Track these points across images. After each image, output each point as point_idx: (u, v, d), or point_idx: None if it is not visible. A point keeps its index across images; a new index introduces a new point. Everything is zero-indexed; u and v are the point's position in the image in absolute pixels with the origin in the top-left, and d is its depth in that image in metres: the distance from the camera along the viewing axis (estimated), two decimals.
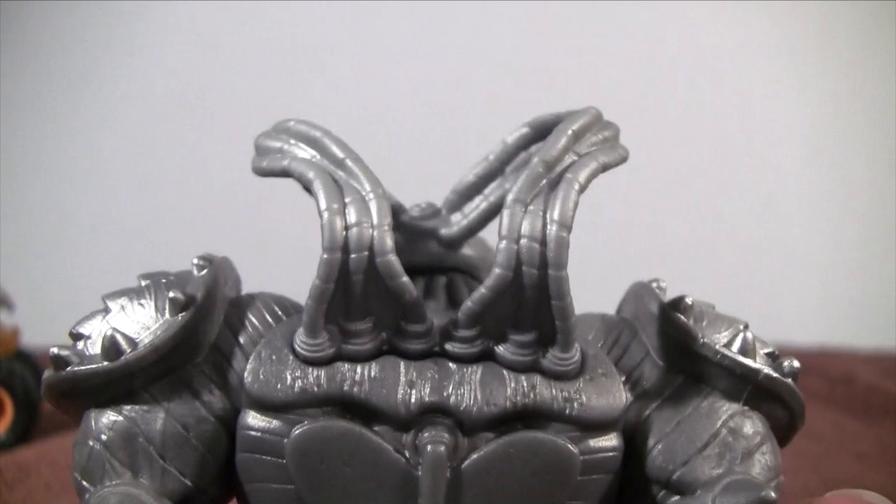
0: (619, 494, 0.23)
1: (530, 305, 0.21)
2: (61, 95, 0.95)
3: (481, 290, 0.21)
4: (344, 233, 0.20)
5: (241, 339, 0.23)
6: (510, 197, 0.21)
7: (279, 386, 0.21)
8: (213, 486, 0.23)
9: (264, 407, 0.21)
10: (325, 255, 0.20)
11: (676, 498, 0.22)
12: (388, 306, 0.21)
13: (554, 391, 0.22)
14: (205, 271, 0.23)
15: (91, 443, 0.22)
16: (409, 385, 0.21)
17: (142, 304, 0.23)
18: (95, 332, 0.23)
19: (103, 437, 0.22)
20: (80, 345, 0.23)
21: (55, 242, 0.96)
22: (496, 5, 0.91)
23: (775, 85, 0.96)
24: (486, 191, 0.26)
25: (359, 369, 0.21)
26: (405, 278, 0.21)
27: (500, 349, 0.22)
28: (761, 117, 0.96)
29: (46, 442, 0.56)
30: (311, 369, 0.21)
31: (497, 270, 0.21)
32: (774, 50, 0.95)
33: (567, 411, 0.21)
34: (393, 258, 0.21)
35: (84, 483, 0.22)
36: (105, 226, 0.95)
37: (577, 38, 0.93)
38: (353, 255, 0.20)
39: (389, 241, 0.21)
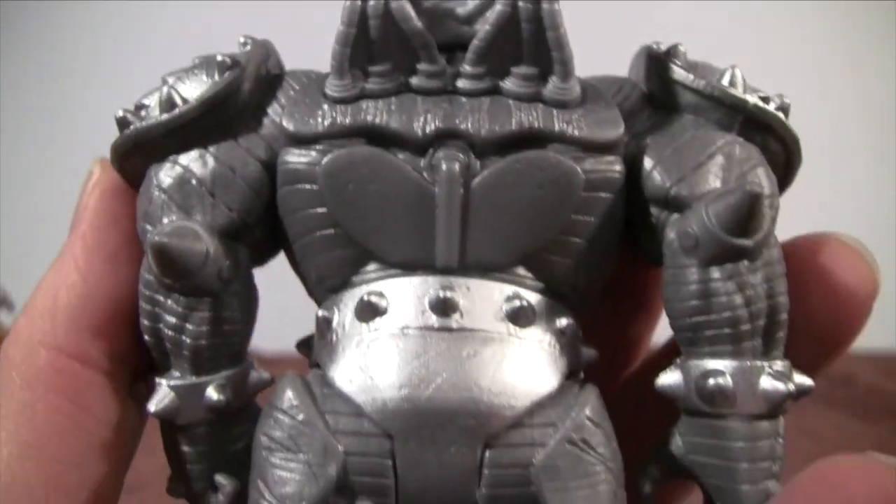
0: (626, 227, 0.25)
1: (529, 39, 0.24)
2: (62, 95, 0.95)
3: (485, 27, 0.24)
4: None
5: (282, 99, 0.26)
6: None
7: (311, 121, 0.24)
8: (258, 228, 0.25)
9: (299, 141, 0.24)
10: (348, 3, 0.23)
11: (676, 216, 0.24)
12: (404, 52, 0.24)
13: (556, 116, 0.24)
14: (248, 46, 0.26)
15: (152, 190, 0.25)
16: (426, 113, 0.24)
17: (195, 73, 0.26)
18: (154, 100, 0.26)
19: (163, 184, 0.25)
20: (143, 113, 0.26)
21: (55, 242, 0.96)
22: None
23: (773, 82, 0.96)
24: None
25: (381, 103, 0.24)
26: (417, 22, 0.24)
27: (506, 83, 0.24)
28: None
29: None
30: (339, 106, 0.24)
31: (498, 7, 0.23)
32: (776, 47, 0.95)
33: (568, 132, 0.24)
34: (406, 3, 0.23)
35: (147, 226, 0.25)
36: None
37: (579, 31, 0.93)
38: (371, 2, 0.23)
39: None
